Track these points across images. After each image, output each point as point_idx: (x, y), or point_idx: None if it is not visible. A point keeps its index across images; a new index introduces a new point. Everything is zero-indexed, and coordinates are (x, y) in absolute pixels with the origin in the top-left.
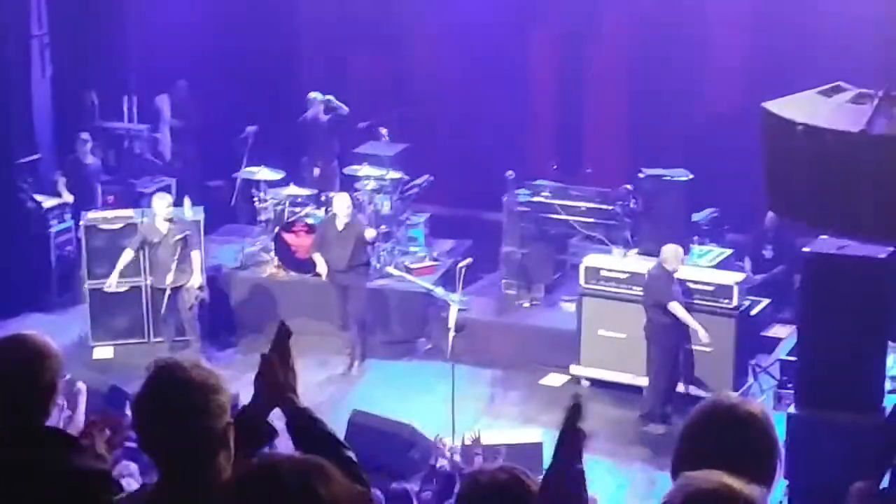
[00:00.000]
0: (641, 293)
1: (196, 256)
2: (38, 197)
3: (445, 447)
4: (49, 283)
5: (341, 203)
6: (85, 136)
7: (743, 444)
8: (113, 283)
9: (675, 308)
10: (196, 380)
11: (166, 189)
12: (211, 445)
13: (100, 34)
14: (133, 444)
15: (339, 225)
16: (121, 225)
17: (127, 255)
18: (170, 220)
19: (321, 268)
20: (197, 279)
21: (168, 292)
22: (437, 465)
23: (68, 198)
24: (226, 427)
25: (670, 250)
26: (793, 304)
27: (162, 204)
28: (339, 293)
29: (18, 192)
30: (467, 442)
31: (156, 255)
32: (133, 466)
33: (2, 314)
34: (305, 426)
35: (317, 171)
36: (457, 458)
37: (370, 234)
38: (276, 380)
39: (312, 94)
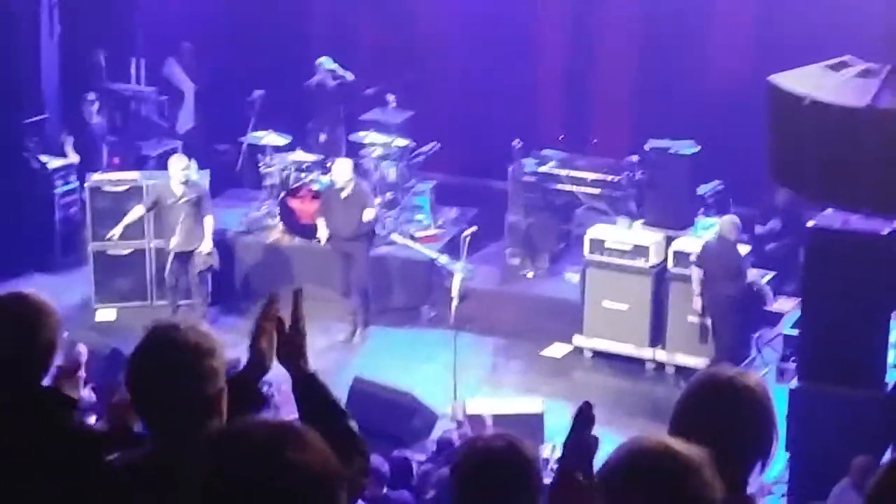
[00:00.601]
0: (696, 266)
1: (209, 221)
2: (44, 157)
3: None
4: (53, 244)
5: (342, 170)
6: (91, 96)
7: (739, 416)
8: (117, 235)
9: (753, 275)
10: (190, 341)
11: (171, 152)
12: (201, 408)
13: None
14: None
15: (344, 193)
16: (126, 187)
17: (137, 212)
18: (185, 183)
19: (322, 233)
20: (208, 244)
21: (173, 255)
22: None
23: (74, 158)
24: (218, 392)
25: (728, 221)
26: (797, 277)
27: (178, 165)
28: (342, 260)
29: (24, 151)
30: (456, 411)
31: (168, 217)
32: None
33: (6, 274)
34: (310, 391)
35: (322, 138)
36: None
37: (369, 215)
38: (291, 343)
39: (320, 60)
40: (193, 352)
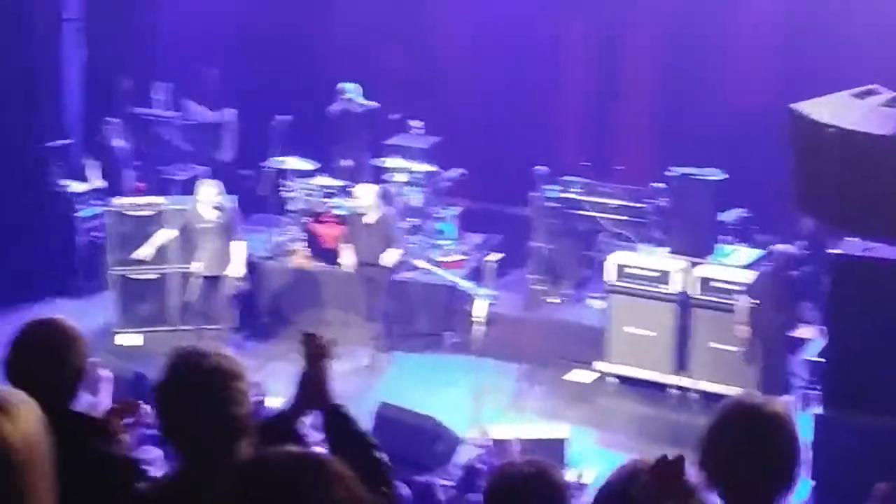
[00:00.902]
0: (746, 295)
1: (240, 245)
2: (67, 181)
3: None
4: (75, 269)
5: (365, 195)
6: (113, 120)
7: (766, 443)
8: (146, 255)
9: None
10: (217, 366)
11: (194, 177)
12: (232, 432)
13: (132, 20)
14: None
15: (367, 218)
16: (149, 212)
17: (168, 234)
18: (216, 208)
19: (345, 259)
20: (239, 268)
21: (202, 280)
22: (470, 460)
23: (97, 183)
24: (247, 414)
25: (783, 251)
26: (821, 305)
27: (211, 191)
28: (366, 285)
29: (46, 176)
30: (480, 436)
31: (195, 241)
32: (156, 452)
33: (28, 299)
34: (338, 423)
35: (346, 163)
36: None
37: (391, 257)
38: (319, 386)
39: (342, 86)
40: (221, 376)
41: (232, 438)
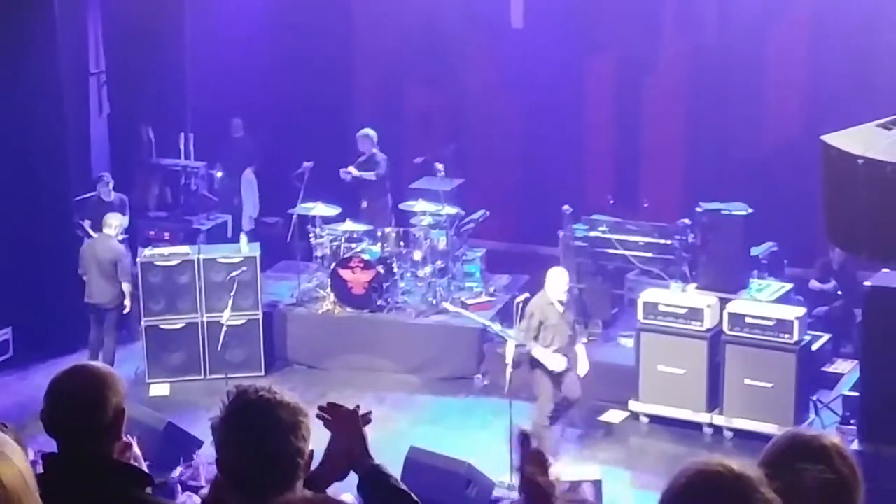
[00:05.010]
0: None
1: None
2: (95, 234)
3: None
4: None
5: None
6: (106, 177)
7: (828, 474)
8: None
9: None
10: (284, 400)
11: (223, 226)
12: (297, 469)
13: (157, 72)
14: (193, 482)
15: (559, 307)
16: (177, 261)
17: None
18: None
19: (556, 365)
20: None
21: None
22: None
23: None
24: (311, 453)
25: None
26: (854, 338)
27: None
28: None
29: (75, 228)
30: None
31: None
32: (196, 499)
33: (59, 351)
34: (377, 483)
35: (364, 205)
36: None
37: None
38: (353, 454)
39: (364, 132)
40: (290, 410)
41: (297, 475)
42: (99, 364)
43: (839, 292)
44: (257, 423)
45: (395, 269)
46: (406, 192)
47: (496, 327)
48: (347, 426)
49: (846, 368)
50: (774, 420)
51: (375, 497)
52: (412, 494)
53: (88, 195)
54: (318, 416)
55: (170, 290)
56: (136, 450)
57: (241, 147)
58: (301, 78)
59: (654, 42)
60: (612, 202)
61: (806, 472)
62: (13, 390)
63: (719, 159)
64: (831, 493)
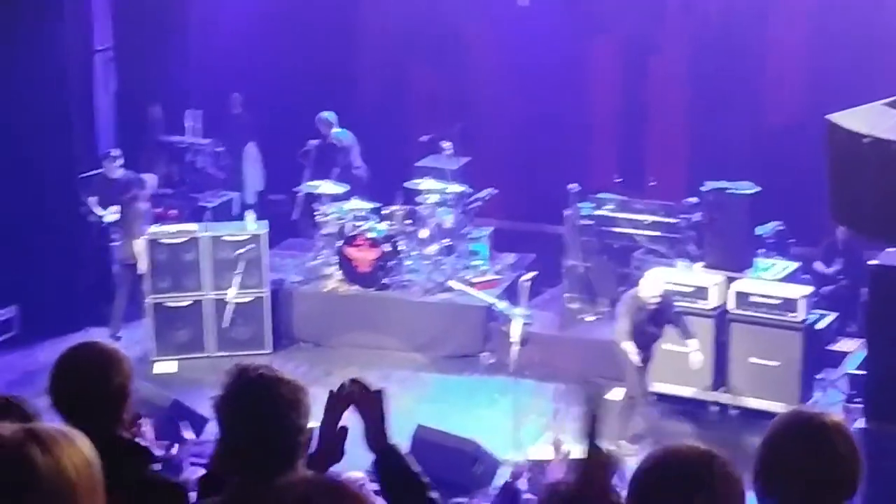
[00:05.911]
0: None
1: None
2: (100, 211)
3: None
4: (111, 298)
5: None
6: (115, 152)
7: (828, 451)
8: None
9: None
10: (284, 378)
11: (229, 203)
12: (298, 446)
13: (163, 49)
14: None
15: (651, 303)
16: (183, 239)
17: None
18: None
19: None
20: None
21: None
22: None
23: (100, 212)
24: (310, 431)
25: None
26: (859, 317)
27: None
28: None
29: (81, 206)
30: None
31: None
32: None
33: (65, 329)
34: (391, 464)
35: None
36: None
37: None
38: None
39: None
40: (290, 387)
41: (297, 454)
42: (104, 342)
43: (840, 277)
44: (258, 401)
45: (402, 248)
46: (412, 170)
47: (502, 305)
48: (371, 404)
49: (852, 347)
50: (780, 398)
51: (389, 477)
52: (423, 479)
53: (94, 172)
54: (338, 392)
55: (176, 267)
56: (147, 430)
57: (240, 123)
58: (307, 56)
59: (661, 20)
60: (618, 181)
61: (809, 449)
62: (18, 368)
63: (726, 138)
64: (833, 470)
